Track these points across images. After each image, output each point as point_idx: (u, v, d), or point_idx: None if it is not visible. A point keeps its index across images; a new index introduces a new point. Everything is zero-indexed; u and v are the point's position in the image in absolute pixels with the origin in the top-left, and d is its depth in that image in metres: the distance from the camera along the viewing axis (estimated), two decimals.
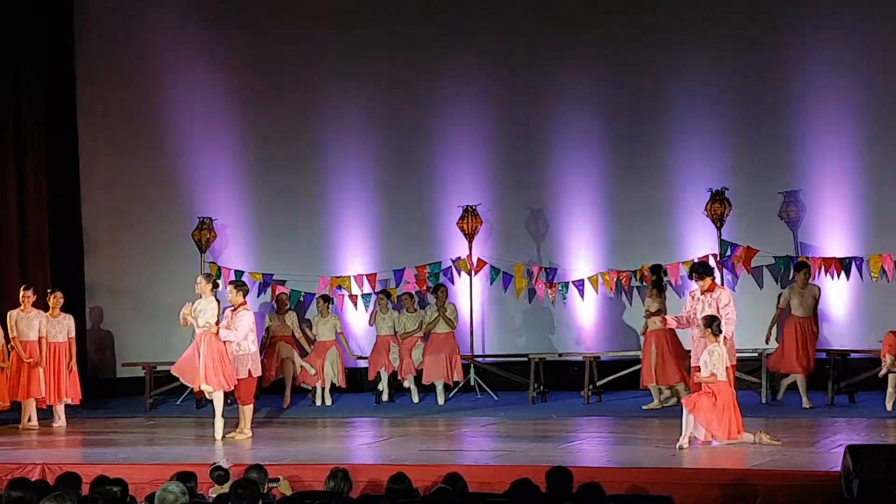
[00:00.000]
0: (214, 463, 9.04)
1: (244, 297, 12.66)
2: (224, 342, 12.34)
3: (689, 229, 15.36)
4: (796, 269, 14.24)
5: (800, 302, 13.97)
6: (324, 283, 16.20)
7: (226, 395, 12.48)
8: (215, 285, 12.71)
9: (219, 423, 12.31)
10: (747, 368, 14.77)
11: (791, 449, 10.72)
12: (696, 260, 14.85)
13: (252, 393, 12.65)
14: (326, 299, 15.73)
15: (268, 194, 16.79)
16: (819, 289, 14.22)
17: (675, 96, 15.53)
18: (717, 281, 12.72)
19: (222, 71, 16.89)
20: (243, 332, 12.47)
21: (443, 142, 16.32)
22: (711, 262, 14.08)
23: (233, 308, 12.56)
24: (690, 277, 12.25)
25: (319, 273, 16.31)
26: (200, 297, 12.50)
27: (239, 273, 16.45)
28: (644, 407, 14.13)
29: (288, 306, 15.80)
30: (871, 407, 13.09)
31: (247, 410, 12.54)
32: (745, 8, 15.39)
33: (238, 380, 12.46)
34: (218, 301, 12.58)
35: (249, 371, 12.54)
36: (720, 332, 11.06)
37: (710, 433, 10.80)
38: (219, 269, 16.53)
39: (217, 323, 12.32)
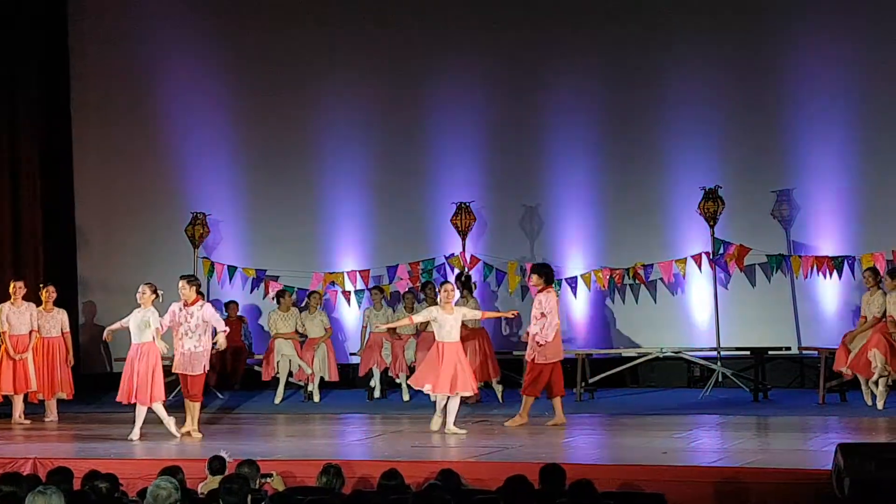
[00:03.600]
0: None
1: (197, 291, 12.47)
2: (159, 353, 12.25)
3: (682, 227, 15.37)
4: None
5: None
6: (317, 278, 16.21)
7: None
8: (157, 296, 12.33)
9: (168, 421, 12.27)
10: (740, 367, 14.81)
11: (783, 447, 10.75)
12: (689, 257, 14.97)
13: (202, 389, 12.43)
14: (317, 295, 15.74)
15: (261, 190, 16.80)
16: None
17: (669, 94, 15.54)
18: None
19: (216, 67, 16.90)
20: (217, 321, 12.43)
21: (437, 138, 16.33)
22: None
23: (187, 304, 12.25)
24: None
25: (313, 269, 16.32)
26: (140, 306, 12.26)
27: (232, 269, 16.48)
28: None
29: (289, 303, 15.76)
30: (862, 405, 13.10)
31: (196, 408, 12.34)
32: (737, 7, 15.40)
33: (192, 376, 12.27)
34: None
35: (203, 366, 12.42)
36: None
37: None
38: (212, 264, 16.56)
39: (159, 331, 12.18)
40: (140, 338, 12.23)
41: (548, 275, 12.79)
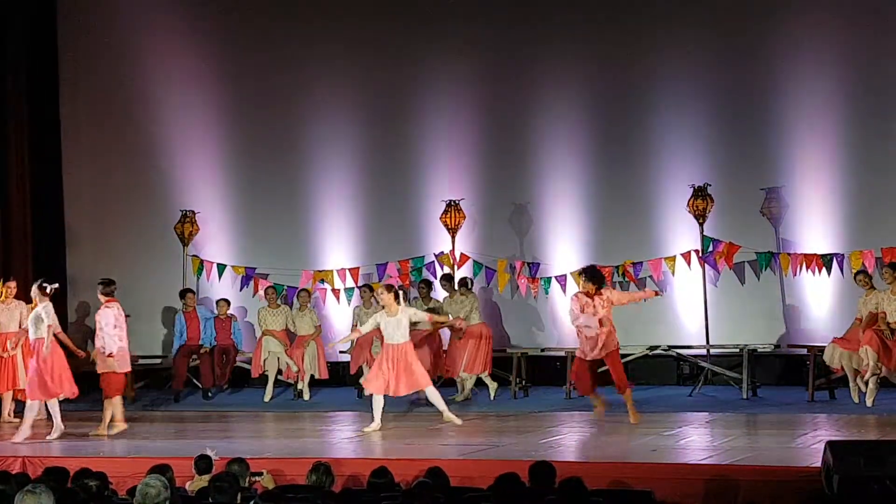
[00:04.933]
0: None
1: (108, 295, 12.60)
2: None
3: (671, 225, 15.38)
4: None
5: None
6: (306, 276, 16.20)
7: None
8: (46, 292, 12.47)
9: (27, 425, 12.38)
10: (729, 364, 14.82)
11: (772, 444, 10.76)
12: (678, 255, 14.97)
13: (121, 386, 12.59)
14: (306, 293, 15.75)
15: (251, 188, 16.80)
16: None
17: (658, 92, 15.54)
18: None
19: (205, 65, 16.90)
20: (109, 330, 12.43)
21: (426, 136, 16.33)
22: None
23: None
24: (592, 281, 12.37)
25: (302, 267, 16.32)
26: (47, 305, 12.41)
27: (221, 267, 16.47)
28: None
29: (277, 300, 15.76)
30: (851, 403, 13.13)
31: (116, 401, 12.45)
32: (727, 6, 15.41)
33: (110, 374, 12.43)
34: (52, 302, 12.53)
35: (112, 365, 12.48)
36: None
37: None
38: (201, 262, 16.54)
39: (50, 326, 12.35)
40: (34, 334, 12.40)
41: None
